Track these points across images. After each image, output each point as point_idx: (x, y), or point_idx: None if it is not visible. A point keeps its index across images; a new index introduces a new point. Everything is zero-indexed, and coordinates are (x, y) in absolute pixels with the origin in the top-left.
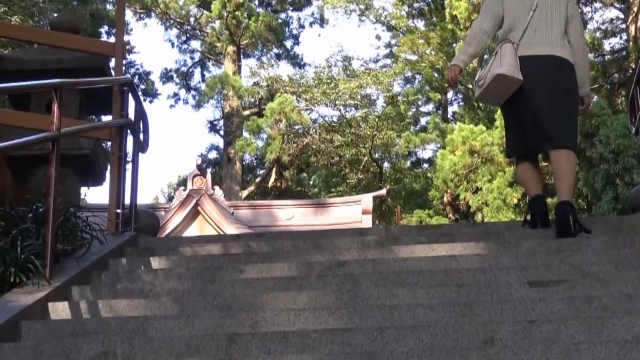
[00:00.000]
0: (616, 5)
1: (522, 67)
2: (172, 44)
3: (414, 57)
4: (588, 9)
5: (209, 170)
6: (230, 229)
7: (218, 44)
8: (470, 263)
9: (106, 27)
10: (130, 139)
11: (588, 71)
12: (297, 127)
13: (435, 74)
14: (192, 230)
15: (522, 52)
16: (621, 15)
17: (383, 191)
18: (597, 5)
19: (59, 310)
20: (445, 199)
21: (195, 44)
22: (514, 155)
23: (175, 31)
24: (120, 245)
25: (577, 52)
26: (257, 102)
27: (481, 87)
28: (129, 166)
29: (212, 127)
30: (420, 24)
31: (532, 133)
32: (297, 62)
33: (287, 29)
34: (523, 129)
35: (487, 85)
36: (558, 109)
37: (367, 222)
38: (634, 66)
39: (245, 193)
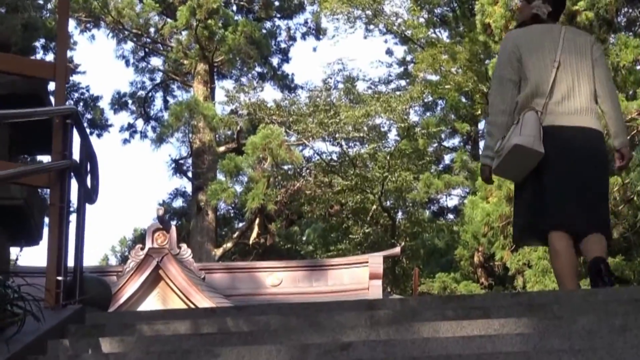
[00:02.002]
0: None
1: (550, 139)
2: (127, 62)
3: (435, 78)
4: None
5: (173, 223)
6: (201, 300)
7: (185, 62)
8: (511, 345)
9: (43, 40)
10: (74, 186)
11: (622, 118)
12: (286, 167)
13: (463, 99)
14: (152, 302)
15: (549, 121)
16: None
17: (396, 249)
18: None
19: None
20: (476, 259)
21: (157, 62)
22: (526, 240)
23: (130, 45)
24: (61, 323)
25: (607, 99)
26: (235, 136)
27: (499, 158)
28: (72, 220)
29: (178, 168)
30: (443, 34)
31: (564, 213)
32: (286, 83)
33: (273, 42)
34: (542, 209)
35: (504, 157)
36: (599, 193)
37: (376, 289)
38: None
39: (220, 252)
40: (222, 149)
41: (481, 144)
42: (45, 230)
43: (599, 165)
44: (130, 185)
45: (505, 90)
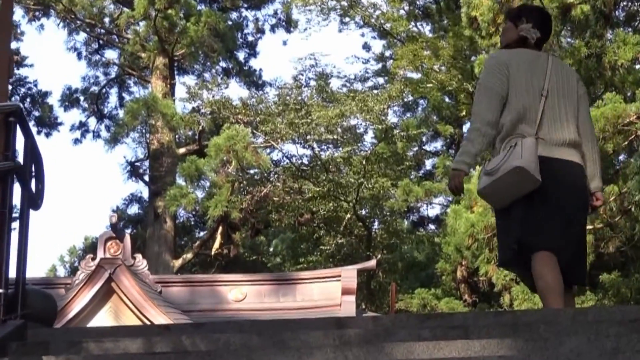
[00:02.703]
0: None
1: (543, 170)
2: (79, 55)
3: (416, 75)
4: None
5: (127, 232)
6: (157, 316)
7: (143, 55)
8: None
9: None
10: (17, 190)
11: (600, 161)
12: (252, 171)
13: (447, 99)
14: (104, 317)
15: (540, 151)
16: None
17: (372, 262)
18: None
19: None
20: (458, 273)
21: (112, 55)
22: (510, 261)
23: (83, 36)
24: (1, 340)
25: (587, 141)
26: (196, 136)
27: (491, 177)
28: (15, 227)
29: (134, 171)
30: (425, 28)
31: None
32: (253, 80)
33: (239, 34)
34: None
35: (499, 177)
36: (583, 234)
37: (348, 306)
38: None
39: (178, 263)
40: (182, 150)
41: None
42: None
43: (584, 203)
44: (81, 190)
45: (492, 102)
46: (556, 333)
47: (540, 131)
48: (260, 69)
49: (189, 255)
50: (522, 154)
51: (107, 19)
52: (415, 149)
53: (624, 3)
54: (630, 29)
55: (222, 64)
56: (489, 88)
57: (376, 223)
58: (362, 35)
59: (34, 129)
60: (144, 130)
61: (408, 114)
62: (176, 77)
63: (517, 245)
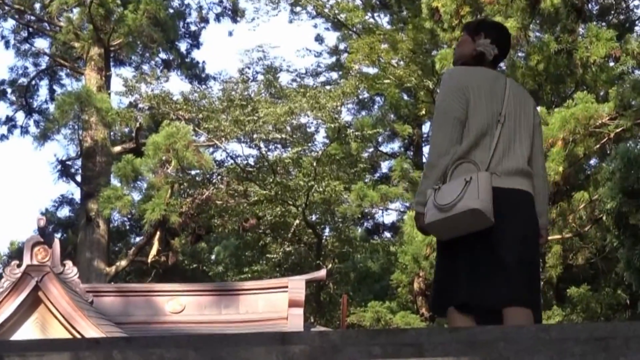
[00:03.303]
0: None
1: (496, 201)
2: (7, 43)
3: (372, 70)
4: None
5: (57, 236)
6: (88, 328)
7: (76, 45)
8: None
9: None
10: None
11: (548, 197)
12: (193, 172)
13: (405, 96)
14: (30, 329)
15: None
16: None
17: (322, 272)
18: None
19: None
20: (415, 285)
21: (42, 44)
22: (446, 306)
23: (11, 23)
24: None
25: (539, 174)
26: (133, 134)
27: (442, 213)
28: None
29: (65, 170)
30: (383, 20)
31: (493, 288)
32: (196, 73)
33: (181, 24)
34: (473, 279)
35: (452, 216)
36: (536, 264)
37: (296, 319)
38: None
39: (112, 271)
40: (117, 149)
41: (425, 149)
42: None
43: (536, 232)
44: (7, 190)
45: (451, 129)
46: (516, 352)
47: (493, 159)
48: (204, 62)
49: (124, 263)
50: (479, 194)
51: (37, 5)
52: (371, 150)
53: None
54: (604, 24)
55: (162, 55)
56: (446, 113)
57: (327, 230)
58: (315, 26)
59: None
60: (76, 127)
61: (363, 112)
62: (112, 69)
63: (448, 296)
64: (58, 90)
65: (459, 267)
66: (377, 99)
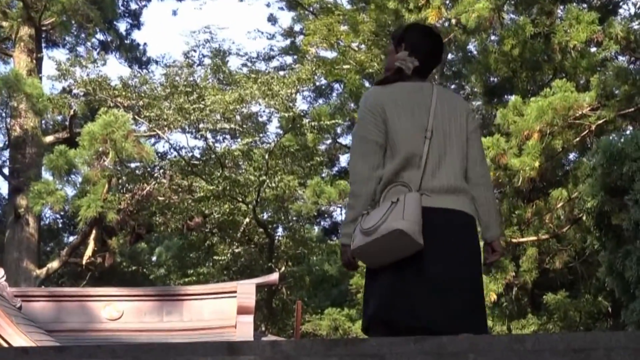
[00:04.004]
0: None
1: (425, 222)
2: None
3: (331, 55)
4: None
5: None
6: (15, 336)
7: (4, 24)
8: None
9: None
10: None
11: (495, 206)
12: (133, 165)
13: (367, 83)
14: None
15: (423, 202)
16: None
17: (274, 276)
18: None
19: None
20: None
21: None
22: (377, 320)
23: None
24: None
25: (479, 185)
26: (67, 122)
27: (367, 237)
28: None
29: None
30: None
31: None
32: (136, 56)
33: (120, 2)
34: (408, 301)
35: (376, 239)
36: (474, 288)
37: (245, 327)
38: None
39: (43, 273)
40: (49, 139)
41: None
42: None
43: (470, 256)
44: None
45: (369, 154)
46: None
47: (424, 177)
48: (145, 44)
49: (56, 264)
50: (405, 214)
51: None
52: (329, 141)
53: None
54: (584, 5)
55: (99, 36)
56: (363, 138)
57: (280, 229)
58: (268, 5)
59: None
60: (3, 114)
61: (320, 100)
62: (44, 50)
63: (380, 321)
64: None
65: (381, 291)
66: (336, 86)
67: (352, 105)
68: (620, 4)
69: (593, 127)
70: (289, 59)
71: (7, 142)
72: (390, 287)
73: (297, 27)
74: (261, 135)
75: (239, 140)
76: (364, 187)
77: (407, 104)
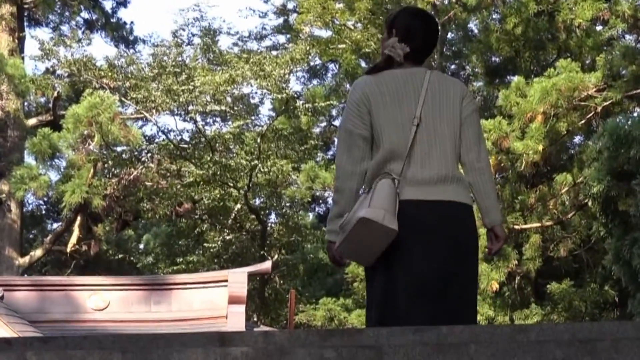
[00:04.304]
0: None
1: (406, 218)
2: None
3: (326, 34)
4: None
5: None
6: None
7: None
8: None
9: None
10: None
11: (494, 190)
12: (120, 149)
13: (363, 63)
14: None
15: (408, 194)
16: None
17: (267, 264)
18: None
19: None
20: None
21: None
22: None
23: None
24: None
25: (475, 168)
26: (50, 104)
27: (343, 232)
28: None
29: None
30: None
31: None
32: (122, 35)
33: None
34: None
35: (347, 233)
36: (463, 299)
37: (237, 318)
38: None
39: (26, 262)
40: (32, 121)
41: None
42: None
43: (465, 256)
44: None
45: (353, 148)
46: (490, 355)
47: (409, 168)
48: (132, 22)
49: (39, 252)
50: (371, 202)
51: None
52: (323, 124)
53: None
54: None
55: (84, 14)
56: (348, 131)
57: (273, 216)
58: None
59: None
60: None
61: (315, 81)
62: (26, 29)
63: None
64: None
65: (376, 296)
66: (331, 66)
67: (348, 86)
68: None
69: (599, 108)
70: (282, 38)
71: None
72: (382, 289)
73: (290, 5)
74: (253, 117)
75: (230, 122)
76: (347, 182)
77: (395, 92)
